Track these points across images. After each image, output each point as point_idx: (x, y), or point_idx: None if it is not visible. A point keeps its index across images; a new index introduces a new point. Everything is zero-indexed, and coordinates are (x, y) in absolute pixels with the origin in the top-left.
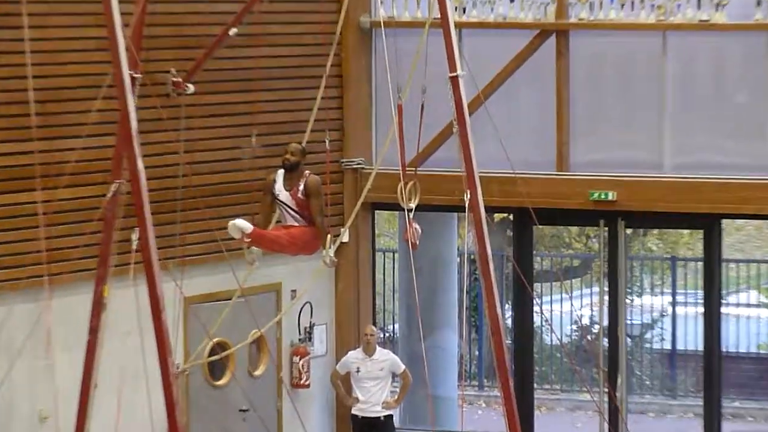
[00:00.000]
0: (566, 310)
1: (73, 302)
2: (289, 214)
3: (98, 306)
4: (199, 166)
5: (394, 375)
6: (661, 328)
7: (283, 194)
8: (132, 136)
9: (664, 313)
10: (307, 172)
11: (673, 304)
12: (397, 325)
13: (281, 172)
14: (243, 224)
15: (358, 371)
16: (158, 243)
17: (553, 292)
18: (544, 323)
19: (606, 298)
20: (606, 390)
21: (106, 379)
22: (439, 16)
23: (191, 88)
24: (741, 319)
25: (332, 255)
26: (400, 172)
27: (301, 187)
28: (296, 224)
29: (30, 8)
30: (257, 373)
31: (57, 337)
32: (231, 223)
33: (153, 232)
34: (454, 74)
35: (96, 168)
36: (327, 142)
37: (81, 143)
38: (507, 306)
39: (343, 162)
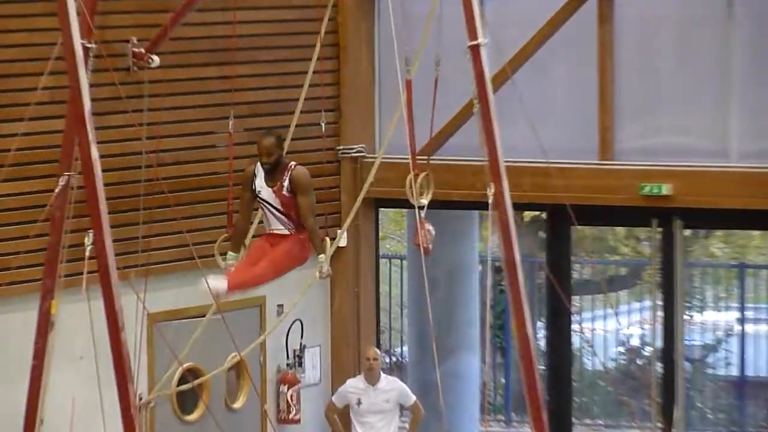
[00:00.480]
0: (611, 329)
1: (13, 320)
2: (273, 214)
3: (44, 325)
4: (167, 155)
5: (402, 408)
6: (727, 351)
7: (264, 191)
8: (85, 119)
9: (730, 333)
10: (292, 163)
11: (742, 321)
12: (406, 348)
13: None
14: (216, 284)
15: (358, 404)
16: (117, 248)
17: (595, 306)
18: (584, 344)
19: (660, 313)
20: (660, 425)
21: (54, 413)
22: None
23: (156, 60)
24: None
25: (327, 264)
26: (410, 161)
27: (286, 183)
28: (279, 231)
29: None
30: (237, 405)
31: None
32: (202, 286)
33: (110, 235)
34: (475, 42)
35: (41, 157)
36: (323, 125)
37: (23, 127)
38: (539, 324)
39: (340, 150)
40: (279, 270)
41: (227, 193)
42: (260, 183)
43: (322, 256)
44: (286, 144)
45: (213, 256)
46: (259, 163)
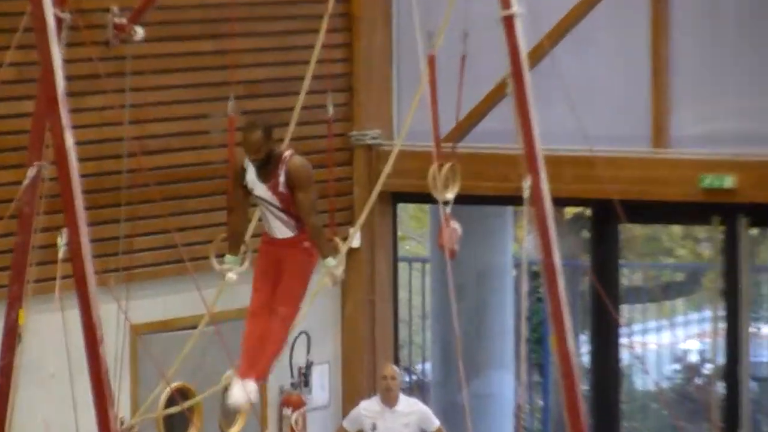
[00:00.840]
0: (666, 343)
1: None
2: (272, 213)
3: (11, 337)
4: (152, 142)
5: None
6: None
7: (258, 188)
8: (57, 100)
9: None
10: (287, 153)
11: None
12: (428, 365)
13: None
14: (240, 396)
15: (373, 429)
16: (95, 249)
17: (647, 317)
18: (634, 361)
19: (722, 325)
20: None
21: None
22: None
23: (140, 32)
24: None
25: (341, 269)
26: (433, 149)
27: (282, 178)
28: (281, 236)
29: None
30: (233, 431)
31: None
32: (230, 401)
33: (87, 234)
34: (509, 12)
35: (6, 144)
36: (330, 108)
37: None
38: (583, 337)
39: (352, 136)
40: (295, 313)
41: (225, 186)
42: (252, 179)
43: (331, 259)
44: (290, 130)
45: (207, 258)
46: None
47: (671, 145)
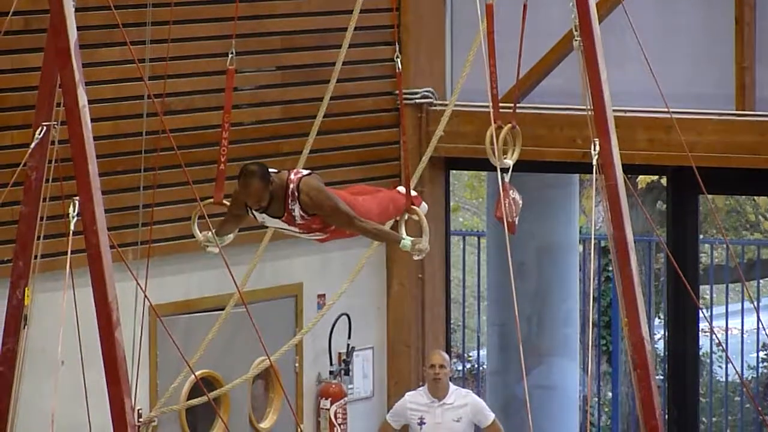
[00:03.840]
0: (750, 328)
1: None
2: (296, 236)
3: (15, 320)
4: (175, 101)
5: (477, 429)
6: None
7: (270, 222)
8: (69, 53)
9: None
10: (290, 180)
11: None
12: (484, 352)
13: None
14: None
15: (421, 423)
16: (111, 221)
17: (730, 299)
18: (716, 348)
19: None
20: None
21: None
22: None
23: None
24: None
25: (422, 244)
26: (490, 109)
27: (296, 211)
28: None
29: None
30: (265, 425)
31: None
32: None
33: (102, 204)
34: None
35: (12, 103)
36: (398, 62)
37: None
38: (658, 321)
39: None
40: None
41: (257, 149)
42: (261, 216)
43: (405, 242)
44: (330, 87)
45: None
46: None
47: (756, 106)
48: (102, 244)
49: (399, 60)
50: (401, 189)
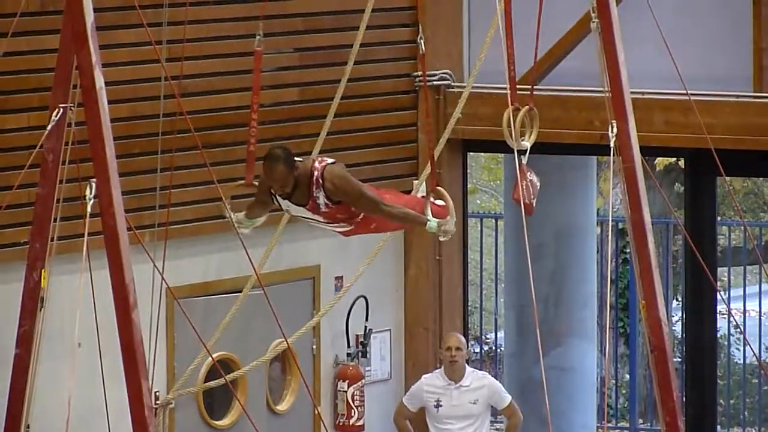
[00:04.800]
0: None
1: None
2: (320, 227)
3: (32, 302)
4: (193, 83)
5: (494, 411)
6: None
7: (295, 210)
8: (86, 35)
9: None
10: (315, 168)
11: None
12: (501, 334)
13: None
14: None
15: (437, 406)
16: (128, 203)
17: (748, 281)
18: (733, 331)
19: None
20: None
21: (44, 418)
22: None
23: None
24: None
25: (448, 225)
26: (508, 91)
27: (321, 199)
28: (340, 230)
29: None
30: (282, 407)
31: None
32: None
33: (119, 186)
34: None
35: (28, 84)
36: (421, 44)
37: (5, 45)
38: (675, 303)
39: (418, 76)
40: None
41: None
42: (285, 203)
43: (431, 224)
44: (348, 69)
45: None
46: None
47: None
48: (119, 227)
49: (422, 41)
50: (422, 191)
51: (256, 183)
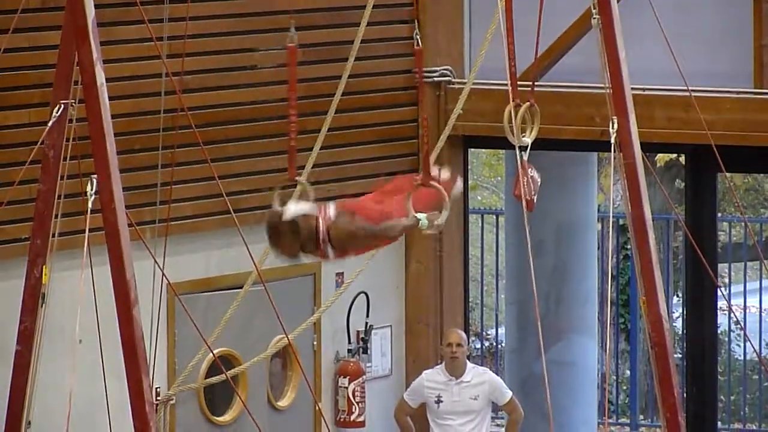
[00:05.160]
0: None
1: None
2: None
3: (33, 298)
4: (194, 79)
5: (495, 407)
6: None
7: (304, 257)
8: (87, 30)
9: None
10: (319, 224)
11: None
12: (502, 330)
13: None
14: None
15: (438, 402)
16: (129, 199)
17: (749, 277)
18: (734, 327)
19: None
20: None
21: (45, 414)
22: None
23: None
24: None
25: (441, 217)
26: (509, 87)
27: (330, 250)
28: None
29: None
30: (282, 403)
31: None
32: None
33: (120, 182)
34: None
35: (29, 81)
36: (417, 39)
37: (5, 41)
38: (676, 299)
39: (417, 72)
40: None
41: (275, 128)
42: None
43: (423, 221)
44: (348, 66)
45: (253, 210)
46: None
47: None
48: (120, 223)
49: (418, 36)
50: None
51: (299, 178)
